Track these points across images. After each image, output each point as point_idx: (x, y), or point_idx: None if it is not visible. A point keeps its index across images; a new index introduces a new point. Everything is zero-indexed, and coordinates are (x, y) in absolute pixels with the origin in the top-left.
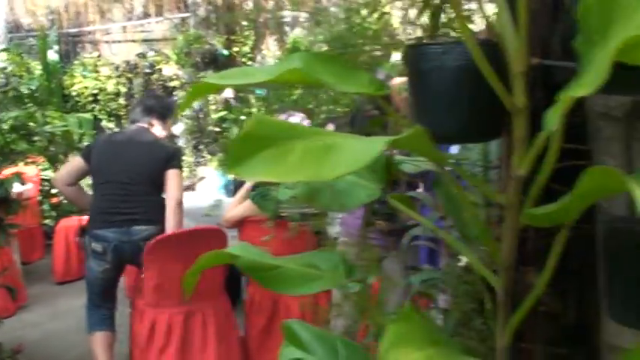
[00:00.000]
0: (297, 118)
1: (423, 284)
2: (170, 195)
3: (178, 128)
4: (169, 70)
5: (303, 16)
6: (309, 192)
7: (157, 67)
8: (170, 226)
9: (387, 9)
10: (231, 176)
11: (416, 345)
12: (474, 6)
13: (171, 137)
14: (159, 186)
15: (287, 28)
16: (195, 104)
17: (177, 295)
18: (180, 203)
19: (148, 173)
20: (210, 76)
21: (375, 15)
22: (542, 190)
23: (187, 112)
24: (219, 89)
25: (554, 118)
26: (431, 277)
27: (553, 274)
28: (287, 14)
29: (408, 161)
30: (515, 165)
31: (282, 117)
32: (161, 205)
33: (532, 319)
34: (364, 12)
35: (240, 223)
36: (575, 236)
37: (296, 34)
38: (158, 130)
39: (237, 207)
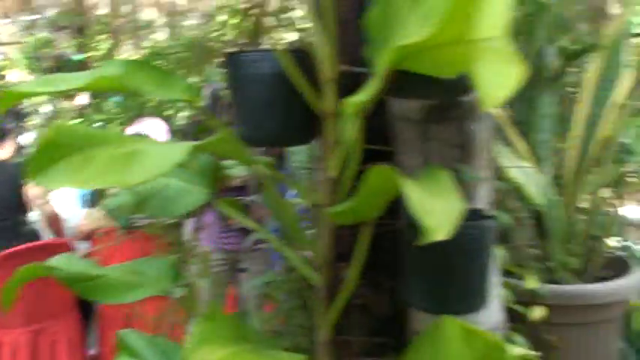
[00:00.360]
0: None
1: (267, 286)
2: (38, 208)
3: (28, 138)
4: (17, 75)
5: (160, 21)
6: (137, 200)
7: (2, 73)
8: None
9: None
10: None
11: (221, 343)
12: (291, 15)
13: (20, 149)
14: (26, 211)
15: (144, 33)
16: (48, 111)
17: (23, 313)
18: (50, 212)
19: (10, 203)
20: (25, 83)
21: (235, 20)
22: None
23: (39, 120)
24: (32, 97)
25: (346, 124)
26: (273, 279)
27: (366, 269)
28: (144, 19)
29: (236, 166)
30: (326, 167)
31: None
32: (37, 231)
33: (349, 313)
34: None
35: (92, 235)
36: (386, 232)
37: (154, 39)
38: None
39: (90, 217)
